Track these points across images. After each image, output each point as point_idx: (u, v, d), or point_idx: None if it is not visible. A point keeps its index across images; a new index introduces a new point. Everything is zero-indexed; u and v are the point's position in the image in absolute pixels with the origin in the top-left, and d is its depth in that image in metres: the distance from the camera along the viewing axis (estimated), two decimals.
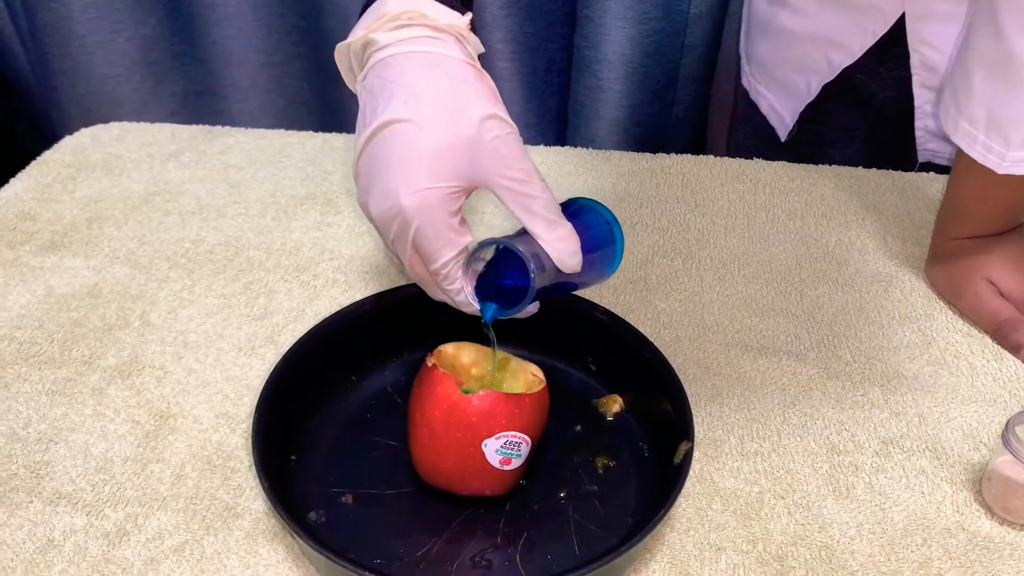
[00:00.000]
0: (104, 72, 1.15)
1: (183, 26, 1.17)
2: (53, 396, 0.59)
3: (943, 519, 0.53)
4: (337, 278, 0.70)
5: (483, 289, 0.51)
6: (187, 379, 0.61)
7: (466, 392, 0.48)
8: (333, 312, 0.58)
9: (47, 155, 0.85)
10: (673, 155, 0.87)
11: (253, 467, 0.49)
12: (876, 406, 0.60)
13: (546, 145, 0.89)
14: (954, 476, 0.55)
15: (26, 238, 0.74)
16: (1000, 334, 0.65)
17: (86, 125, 0.89)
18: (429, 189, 0.46)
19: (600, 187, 0.82)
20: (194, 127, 0.89)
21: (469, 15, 0.51)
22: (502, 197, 0.48)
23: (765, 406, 0.60)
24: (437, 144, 0.46)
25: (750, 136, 0.98)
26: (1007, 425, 0.51)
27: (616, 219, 0.54)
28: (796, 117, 0.90)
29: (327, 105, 1.26)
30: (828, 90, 0.86)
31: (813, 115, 0.89)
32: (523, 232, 0.49)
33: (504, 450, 0.48)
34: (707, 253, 0.74)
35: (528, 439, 0.49)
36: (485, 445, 0.48)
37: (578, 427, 0.57)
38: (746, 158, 0.86)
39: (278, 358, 0.54)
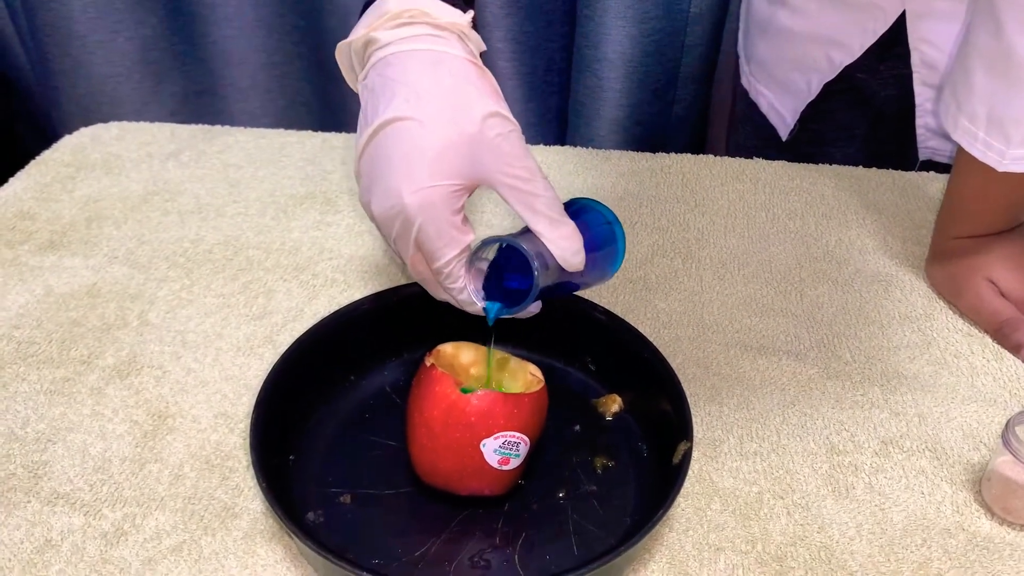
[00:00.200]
0: (104, 72, 1.14)
1: (183, 26, 1.17)
2: (51, 396, 0.59)
3: (943, 519, 0.53)
4: (336, 278, 0.70)
5: (486, 288, 0.51)
6: (186, 379, 0.61)
7: (465, 392, 0.48)
8: (332, 312, 0.58)
9: (46, 154, 0.85)
10: (673, 154, 0.87)
11: (251, 467, 0.49)
12: (876, 406, 0.60)
13: (546, 144, 0.89)
14: (954, 476, 0.55)
15: (25, 237, 0.74)
16: (1001, 334, 0.65)
17: (86, 125, 0.89)
18: (432, 187, 0.46)
19: (600, 186, 0.82)
20: (193, 127, 0.89)
21: (471, 13, 0.50)
22: (504, 195, 0.48)
23: (764, 406, 0.59)
24: (439, 142, 0.46)
25: (750, 136, 0.98)
26: (1007, 425, 0.50)
27: (617, 219, 0.53)
28: (797, 116, 0.90)
29: (327, 105, 1.25)
30: (828, 89, 0.86)
31: (814, 114, 0.89)
32: (526, 231, 0.49)
33: (503, 450, 0.48)
34: (707, 253, 0.74)
35: (527, 439, 0.49)
36: (484, 445, 0.48)
37: (577, 427, 0.57)
38: (746, 158, 0.86)
39: (277, 358, 0.54)
